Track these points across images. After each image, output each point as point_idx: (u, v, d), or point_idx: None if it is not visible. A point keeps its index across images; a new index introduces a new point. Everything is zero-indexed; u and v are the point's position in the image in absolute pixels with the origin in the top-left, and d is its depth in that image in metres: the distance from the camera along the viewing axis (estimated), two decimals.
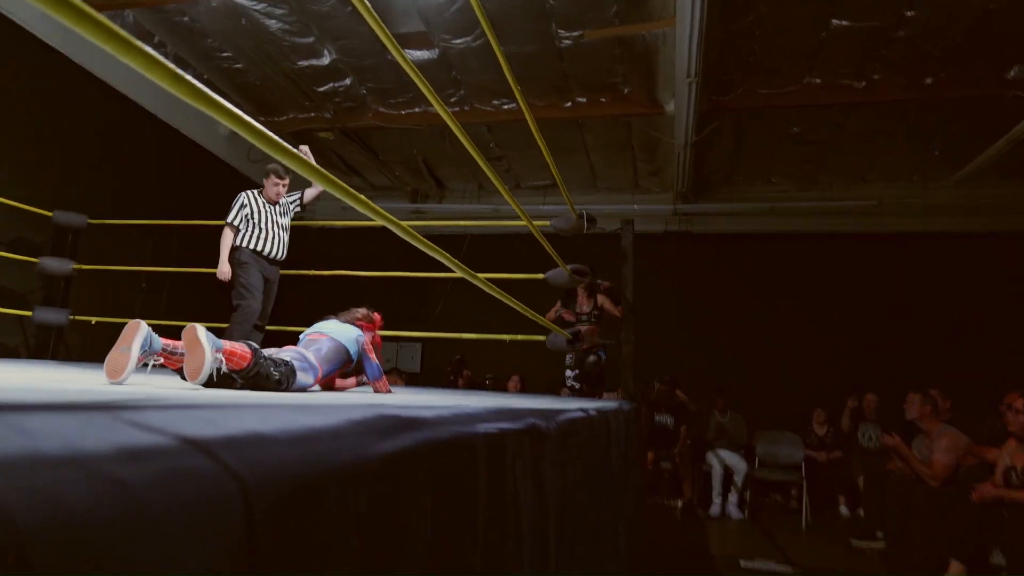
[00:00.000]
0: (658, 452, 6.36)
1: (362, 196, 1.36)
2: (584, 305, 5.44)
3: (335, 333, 2.82)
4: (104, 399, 0.78)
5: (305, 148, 4.51)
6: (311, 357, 2.56)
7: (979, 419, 5.08)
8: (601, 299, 5.35)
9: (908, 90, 5.95)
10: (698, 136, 6.36)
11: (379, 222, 1.48)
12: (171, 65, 0.83)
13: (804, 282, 7.85)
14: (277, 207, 4.24)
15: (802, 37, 5.41)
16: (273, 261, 4.20)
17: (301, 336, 2.85)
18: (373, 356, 2.92)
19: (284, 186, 4.20)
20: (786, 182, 7.99)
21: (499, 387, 7.13)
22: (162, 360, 2.25)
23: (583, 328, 4.78)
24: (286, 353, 2.50)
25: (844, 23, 5.20)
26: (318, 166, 1.23)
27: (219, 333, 2.36)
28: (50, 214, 5.08)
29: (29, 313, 4.97)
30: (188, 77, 0.86)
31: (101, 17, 0.73)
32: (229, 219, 4.09)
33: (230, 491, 0.46)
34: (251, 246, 4.08)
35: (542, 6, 5.26)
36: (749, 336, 7.76)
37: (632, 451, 3.89)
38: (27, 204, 4.83)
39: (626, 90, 6.40)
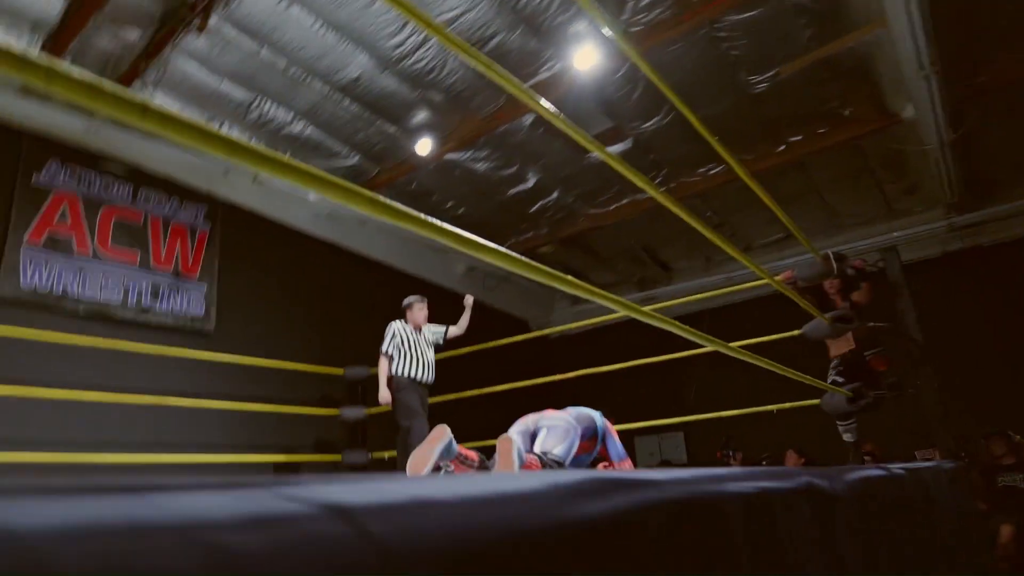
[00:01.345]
0: (1019, 524, 4.82)
1: (599, 290, 1.37)
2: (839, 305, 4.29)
3: (580, 409, 2.96)
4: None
5: (469, 299, 4.96)
6: (573, 436, 2.66)
7: None
8: (857, 296, 4.18)
9: None
10: (956, 133, 5.35)
11: (620, 313, 1.47)
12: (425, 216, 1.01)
13: None
14: (422, 336, 4.59)
15: None
16: (425, 385, 4.51)
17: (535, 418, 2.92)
18: (616, 437, 2.94)
19: (426, 311, 4.62)
20: None
21: (779, 464, 6.26)
22: (453, 468, 2.44)
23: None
24: (558, 446, 2.60)
25: None
26: (544, 267, 1.28)
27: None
28: (342, 371, 5.99)
29: (339, 457, 5.78)
30: (435, 221, 1.03)
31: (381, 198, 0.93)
32: (384, 348, 4.45)
33: (366, 558, 0.38)
34: (407, 373, 4.40)
35: (726, 60, 5.08)
36: None
37: (971, 522, 3.01)
38: (325, 366, 5.79)
39: (846, 112, 5.72)
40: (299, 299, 6.29)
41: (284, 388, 5.64)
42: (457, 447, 2.43)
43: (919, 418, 4.17)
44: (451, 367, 5.21)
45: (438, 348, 4.82)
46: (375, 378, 6.04)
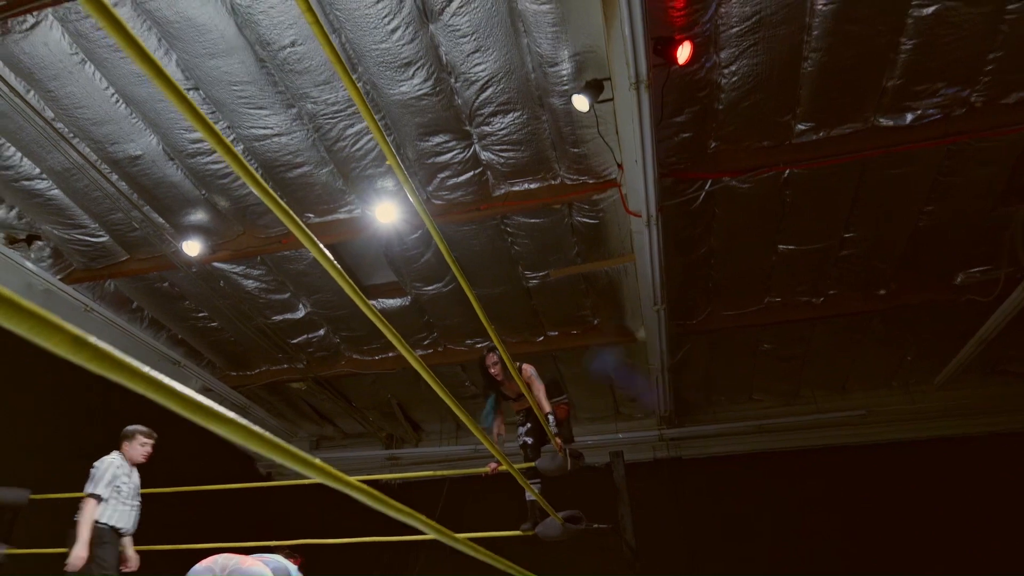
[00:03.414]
0: None
1: (305, 454, 1.17)
2: (513, 389, 4.66)
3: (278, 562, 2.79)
4: None
5: None
6: None
7: None
8: (526, 375, 4.53)
9: (865, 302, 6.15)
10: (673, 359, 6.39)
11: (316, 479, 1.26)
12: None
13: (808, 498, 7.32)
14: (134, 478, 3.70)
15: (754, 262, 5.75)
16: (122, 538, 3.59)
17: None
18: None
19: (150, 449, 3.77)
20: (768, 398, 7.88)
21: None
22: None
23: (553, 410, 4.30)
24: None
25: (790, 247, 5.56)
26: (255, 428, 1.05)
27: None
28: None
29: None
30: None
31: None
32: (94, 488, 3.46)
33: None
34: (113, 522, 3.49)
35: (508, 252, 5.60)
36: (764, 562, 6.98)
37: None
38: None
39: (595, 321, 6.57)
40: None
41: None
42: None
43: None
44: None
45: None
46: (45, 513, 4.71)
